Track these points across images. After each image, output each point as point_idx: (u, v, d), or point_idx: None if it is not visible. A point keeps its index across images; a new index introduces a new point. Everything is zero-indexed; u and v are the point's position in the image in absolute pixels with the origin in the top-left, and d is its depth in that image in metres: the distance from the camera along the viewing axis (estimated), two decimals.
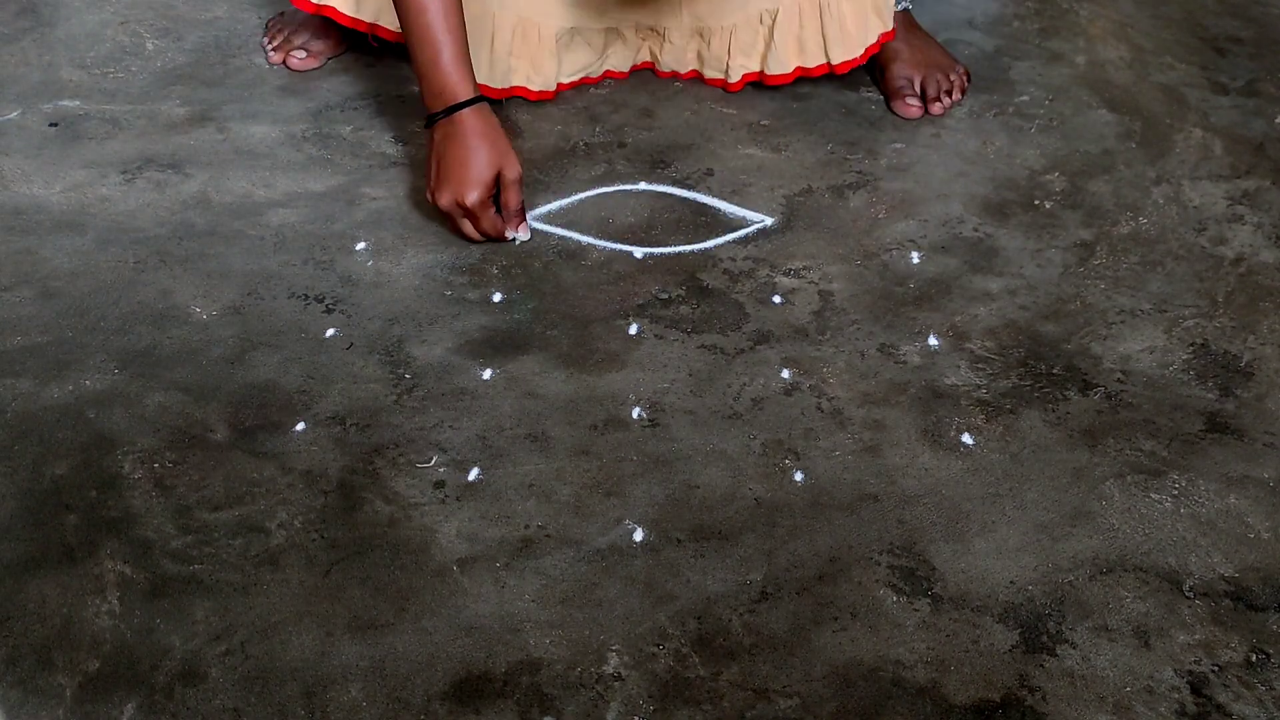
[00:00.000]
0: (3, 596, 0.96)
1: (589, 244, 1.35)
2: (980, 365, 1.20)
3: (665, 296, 1.28)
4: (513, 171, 1.31)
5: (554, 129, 1.53)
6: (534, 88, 1.55)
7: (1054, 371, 1.20)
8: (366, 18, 1.54)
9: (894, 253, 1.35)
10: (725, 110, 1.57)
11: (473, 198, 1.28)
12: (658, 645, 0.94)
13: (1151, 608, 0.97)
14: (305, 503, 1.04)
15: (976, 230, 1.39)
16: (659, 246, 1.35)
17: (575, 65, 1.58)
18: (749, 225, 1.38)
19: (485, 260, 1.32)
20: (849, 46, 1.55)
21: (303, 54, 1.61)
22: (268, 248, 1.33)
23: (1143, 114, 1.58)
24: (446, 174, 1.29)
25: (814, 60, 1.57)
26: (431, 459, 1.09)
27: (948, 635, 0.95)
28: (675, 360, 1.20)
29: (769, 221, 1.39)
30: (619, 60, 1.61)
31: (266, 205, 1.39)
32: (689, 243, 1.36)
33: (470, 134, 1.29)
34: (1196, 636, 0.95)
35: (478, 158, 1.29)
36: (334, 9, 1.53)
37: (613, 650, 0.94)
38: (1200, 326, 1.25)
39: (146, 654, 0.92)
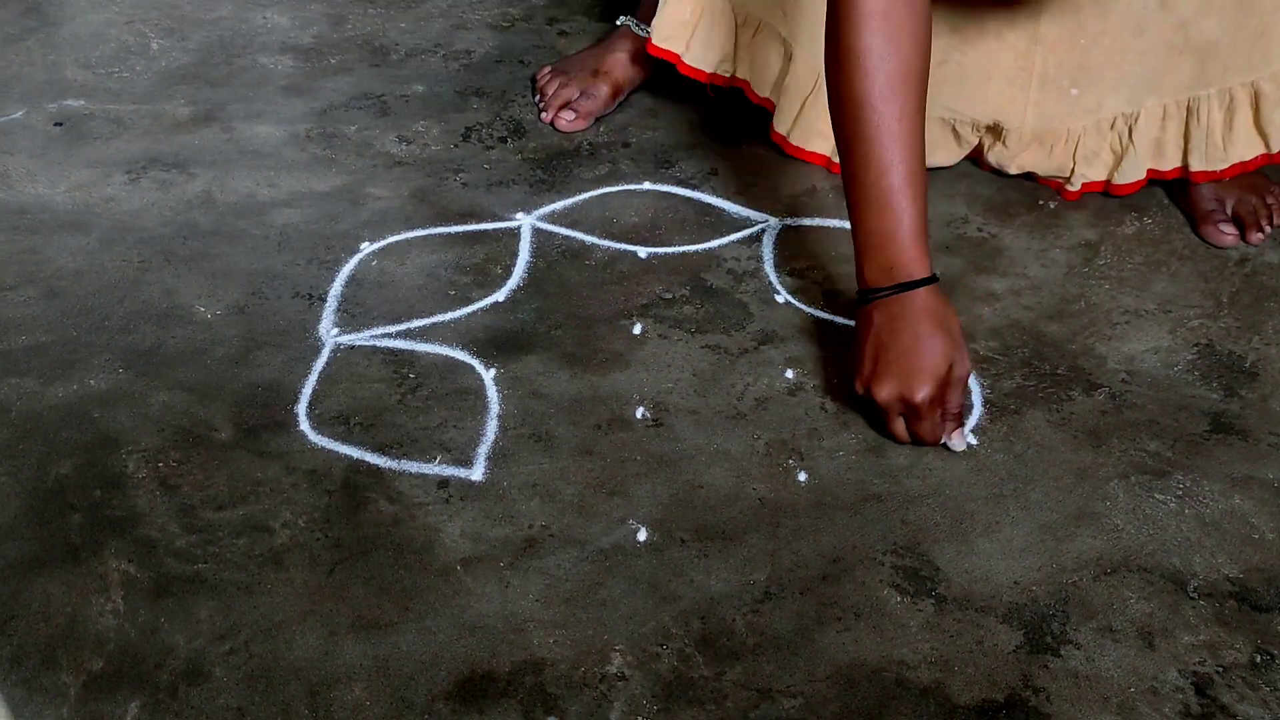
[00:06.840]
0: (7, 595, 0.96)
1: (593, 244, 1.35)
2: (984, 365, 1.20)
3: (669, 296, 1.28)
4: (963, 368, 1.10)
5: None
6: None
7: (1058, 372, 1.20)
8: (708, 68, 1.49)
9: None
10: (730, 110, 1.57)
11: (923, 394, 1.07)
12: (661, 645, 0.94)
13: (1156, 608, 0.97)
14: (309, 502, 1.05)
15: (980, 230, 1.39)
16: (663, 246, 1.35)
17: None
18: (753, 225, 1.38)
19: (489, 260, 1.32)
20: (1212, 158, 1.35)
21: (571, 114, 1.54)
22: (272, 247, 1.33)
23: None
24: (891, 363, 1.09)
25: (1170, 164, 1.37)
26: (435, 458, 1.09)
27: (951, 635, 0.95)
28: (679, 360, 1.20)
29: (773, 221, 1.39)
30: (945, 156, 1.44)
31: (271, 205, 1.39)
32: (693, 242, 1.35)
33: (923, 318, 1.09)
34: (1201, 637, 0.95)
35: (931, 347, 1.08)
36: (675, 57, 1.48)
37: (616, 650, 0.94)
38: (1205, 327, 1.25)
39: (150, 653, 0.92)
